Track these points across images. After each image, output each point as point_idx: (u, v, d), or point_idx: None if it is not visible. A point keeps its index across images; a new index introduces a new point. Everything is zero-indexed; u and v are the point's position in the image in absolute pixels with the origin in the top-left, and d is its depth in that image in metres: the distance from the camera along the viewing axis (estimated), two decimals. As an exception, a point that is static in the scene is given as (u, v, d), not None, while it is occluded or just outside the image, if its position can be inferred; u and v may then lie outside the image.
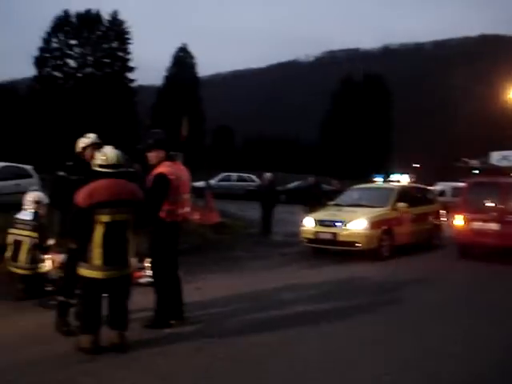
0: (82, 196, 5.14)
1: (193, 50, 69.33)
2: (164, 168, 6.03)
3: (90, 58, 61.25)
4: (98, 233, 5.13)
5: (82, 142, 6.01)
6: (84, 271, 5.20)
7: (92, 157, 5.85)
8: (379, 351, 5.56)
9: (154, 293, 6.13)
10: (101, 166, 5.33)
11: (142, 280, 7.80)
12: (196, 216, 6.82)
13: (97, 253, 5.13)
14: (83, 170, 5.81)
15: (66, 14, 60.28)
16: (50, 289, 7.31)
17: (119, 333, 5.30)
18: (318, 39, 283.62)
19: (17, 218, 7.55)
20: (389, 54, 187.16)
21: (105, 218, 5.15)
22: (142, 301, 6.38)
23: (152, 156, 6.18)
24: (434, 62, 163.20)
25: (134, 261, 5.94)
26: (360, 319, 6.72)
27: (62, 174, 5.85)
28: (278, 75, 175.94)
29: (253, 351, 5.46)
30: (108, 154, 5.38)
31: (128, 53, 62.38)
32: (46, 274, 7.37)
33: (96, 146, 5.90)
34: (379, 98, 67.46)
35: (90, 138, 6.04)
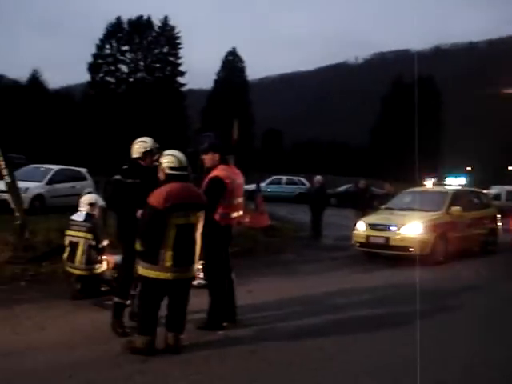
0: (158, 198, 5.11)
1: (242, 53, 69.89)
2: (219, 171, 6.07)
3: (141, 63, 62.54)
4: (171, 235, 5.13)
5: (142, 147, 5.98)
6: (151, 273, 5.17)
7: (151, 161, 5.91)
8: (434, 357, 5.42)
9: (208, 295, 6.16)
10: (172, 168, 5.34)
11: (195, 282, 7.85)
12: (246, 219, 6.82)
13: (168, 255, 5.13)
14: (139, 174, 5.88)
15: (119, 21, 61.74)
16: (104, 289, 7.45)
17: (175, 335, 5.33)
18: (367, 41, 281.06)
19: (72, 220, 7.72)
20: (440, 55, 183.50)
21: (179, 221, 5.16)
22: (194, 303, 6.41)
23: (207, 159, 6.23)
24: (487, 61, 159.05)
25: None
26: (414, 325, 6.55)
27: (118, 177, 5.91)
28: (327, 78, 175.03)
29: (308, 355, 5.40)
30: (179, 156, 5.39)
31: (178, 57, 63.37)
32: (101, 274, 7.51)
33: (156, 151, 5.95)
34: (430, 100, 66.25)
35: (147, 142, 6.03)
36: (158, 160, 5.59)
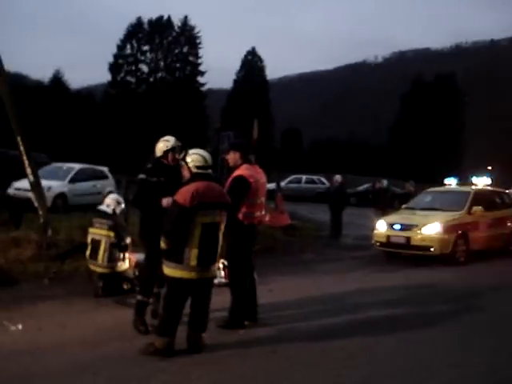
0: (184, 196, 5.12)
1: (261, 53, 69.84)
2: (243, 171, 6.09)
3: (161, 62, 62.87)
4: (197, 234, 5.15)
5: (164, 146, 6.03)
6: (176, 272, 5.18)
7: (174, 160, 5.96)
8: (456, 359, 5.38)
9: (230, 294, 6.18)
10: (198, 167, 5.36)
11: (215, 280, 7.88)
12: (267, 218, 6.84)
13: (193, 254, 5.15)
14: (163, 172, 5.92)
15: (139, 21, 62.11)
16: (126, 287, 7.52)
17: (197, 334, 5.35)
18: (386, 39, 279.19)
19: (95, 218, 7.80)
20: (461, 53, 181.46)
21: (205, 219, 5.18)
22: (215, 301, 6.43)
23: (230, 158, 6.26)
24: (509, 59, 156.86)
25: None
26: (436, 326, 6.54)
27: (143, 176, 5.96)
28: (346, 77, 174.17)
29: (329, 355, 5.40)
30: (205, 155, 5.42)
31: (198, 57, 63.57)
32: (123, 272, 7.57)
33: (178, 149, 6.00)
34: (451, 99, 65.66)
35: (170, 141, 6.07)
36: (183, 159, 5.62)
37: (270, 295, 7.53)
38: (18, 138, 9.64)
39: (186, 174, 5.49)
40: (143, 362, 5.02)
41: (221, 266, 7.66)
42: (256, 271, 6.54)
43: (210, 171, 5.44)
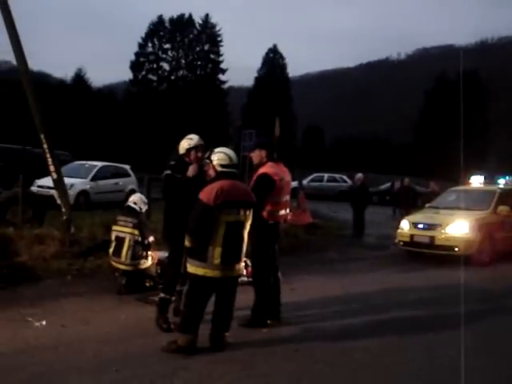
0: (208, 195, 5.11)
1: (282, 50, 69.66)
2: (268, 168, 6.07)
3: (182, 60, 63.07)
4: (221, 232, 5.13)
5: (187, 144, 6.02)
6: (199, 270, 5.17)
7: (196, 158, 5.94)
8: (480, 361, 5.29)
9: (253, 292, 6.15)
10: (223, 165, 5.35)
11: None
12: (289, 216, 6.81)
13: (217, 252, 5.13)
14: (185, 170, 5.90)
15: (160, 19, 62.39)
16: (149, 284, 7.54)
17: (220, 332, 5.34)
18: (409, 36, 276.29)
19: (119, 216, 7.82)
20: (486, 50, 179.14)
21: (229, 218, 5.16)
22: (238, 299, 6.40)
23: (254, 156, 6.24)
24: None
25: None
26: (459, 327, 6.39)
27: (168, 172, 5.96)
28: (369, 74, 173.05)
29: (352, 356, 5.34)
30: (230, 154, 5.40)
31: (219, 55, 63.65)
32: (145, 270, 7.59)
33: (200, 148, 5.98)
34: (476, 96, 64.79)
35: (193, 139, 6.05)
36: (208, 157, 5.60)
37: (292, 294, 7.49)
38: (42, 136, 9.72)
39: (210, 172, 5.47)
40: (166, 360, 5.02)
41: (244, 264, 7.64)
42: (279, 270, 6.50)
43: (235, 170, 5.41)
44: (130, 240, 7.49)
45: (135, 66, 61.94)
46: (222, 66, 63.94)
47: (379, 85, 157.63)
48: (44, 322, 6.10)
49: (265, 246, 6.11)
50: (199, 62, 63.49)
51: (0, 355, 5.09)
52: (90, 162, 19.22)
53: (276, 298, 6.27)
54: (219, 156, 5.37)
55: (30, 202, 10.76)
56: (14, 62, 9.85)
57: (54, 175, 9.91)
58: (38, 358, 5.02)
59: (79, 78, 60.55)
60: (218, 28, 63.83)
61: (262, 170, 6.09)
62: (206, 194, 5.14)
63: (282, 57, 68.89)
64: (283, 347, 5.52)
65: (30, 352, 5.19)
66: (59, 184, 9.98)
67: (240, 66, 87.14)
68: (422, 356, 5.44)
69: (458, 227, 11.51)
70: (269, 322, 6.11)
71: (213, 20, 63.86)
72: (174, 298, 6.03)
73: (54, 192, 10.94)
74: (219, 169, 5.35)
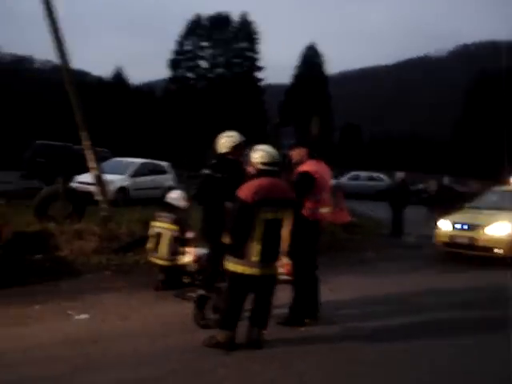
0: (247, 192, 5.12)
1: (321, 47, 69.24)
2: (309, 166, 6.04)
3: (220, 58, 63.30)
4: (259, 230, 5.12)
5: (231, 142, 5.97)
6: (238, 267, 5.17)
7: (239, 155, 5.92)
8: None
9: (291, 290, 6.12)
10: (264, 163, 5.33)
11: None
12: (327, 214, 6.77)
13: (255, 250, 5.13)
14: (228, 168, 5.89)
15: (198, 17, 62.73)
16: (187, 281, 7.57)
17: (258, 330, 5.33)
18: (450, 33, 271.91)
19: (159, 212, 7.89)
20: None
21: (268, 216, 5.15)
22: (276, 297, 6.38)
23: (294, 154, 6.22)
24: None
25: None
26: (499, 330, 6.24)
27: (207, 171, 5.95)
28: (408, 71, 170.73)
29: (391, 356, 5.27)
30: (272, 152, 5.38)
31: (257, 52, 63.65)
32: (184, 266, 7.61)
33: (242, 145, 5.97)
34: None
35: (236, 137, 6.02)
36: (248, 154, 5.58)
37: (330, 293, 7.41)
38: (83, 134, 9.87)
39: (250, 169, 5.46)
40: (205, 356, 5.04)
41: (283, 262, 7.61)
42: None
43: (276, 168, 5.38)
44: (168, 236, 7.54)
45: (173, 64, 62.45)
46: (260, 63, 63.98)
47: (418, 82, 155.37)
48: (86, 316, 6.20)
49: (305, 244, 6.07)
50: (237, 60, 63.61)
51: (42, 347, 5.20)
52: (128, 159, 19.47)
53: (314, 296, 6.23)
54: (261, 154, 5.35)
55: (70, 198, 10.94)
56: (56, 60, 10.05)
57: (94, 172, 10.05)
58: (79, 351, 5.10)
59: (118, 76, 61.39)
60: (255, 25, 63.87)
61: (302, 168, 6.06)
62: (245, 191, 5.13)
63: (319, 54, 68.48)
64: (320, 346, 5.48)
65: (71, 344, 5.28)
66: (99, 180, 10.12)
67: (278, 64, 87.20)
68: (463, 358, 5.34)
69: (500, 228, 11.25)
70: (306, 320, 6.07)
71: (250, 18, 63.93)
72: (212, 295, 6.04)
73: (93, 188, 11.11)
74: (260, 167, 5.33)
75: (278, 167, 5.45)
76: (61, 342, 5.34)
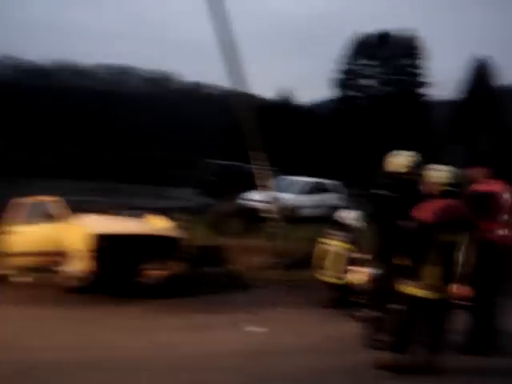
0: (428, 213, 5.02)
1: (490, 59, 65.17)
2: (487, 186, 5.77)
3: (386, 76, 62.49)
4: (436, 252, 4.98)
5: (411, 161, 5.87)
6: (412, 290, 5.07)
7: (416, 175, 5.77)
8: None
9: (470, 317, 5.81)
10: (447, 184, 5.19)
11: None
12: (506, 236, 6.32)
13: (431, 272, 4.99)
14: (404, 188, 5.75)
15: (363, 37, 62.50)
16: (356, 300, 7.47)
17: (430, 354, 5.11)
18: None
19: (330, 230, 7.91)
20: None
21: (445, 238, 4.99)
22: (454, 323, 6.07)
23: (472, 173, 5.95)
24: None
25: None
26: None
27: (382, 192, 5.88)
28: None
29: None
30: (456, 172, 5.26)
31: (423, 68, 61.86)
32: (353, 285, 7.54)
33: (421, 165, 5.82)
34: None
35: (414, 156, 5.90)
36: (421, 174, 5.45)
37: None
38: (256, 154, 10.24)
39: (426, 189, 5.29)
40: (373, 377, 4.94)
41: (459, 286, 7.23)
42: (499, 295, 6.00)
43: (457, 189, 5.20)
44: (342, 254, 7.52)
45: (340, 84, 62.85)
46: (426, 79, 61.98)
47: None
48: (261, 329, 6.39)
49: (482, 268, 5.71)
50: (403, 77, 62.29)
51: (215, 356, 5.42)
52: (297, 178, 19.84)
53: (492, 324, 5.81)
54: (445, 174, 5.21)
55: (242, 215, 11.43)
56: (226, 85, 10.52)
57: (266, 189, 10.38)
58: (250, 362, 5.24)
59: (284, 96, 63.11)
60: (421, 41, 62.07)
61: (484, 188, 5.77)
62: (425, 212, 5.01)
63: (491, 66, 64.57)
64: (501, 379, 5.11)
65: (241, 355, 5.45)
66: (268, 198, 10.43)
67: (445, 79, 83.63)
68: None
69: None
70: (488, 349, 5.68)
71: (415, 33, 62.28)
72: (382, 316, 5.91)
73: (261, 205, 11.49)
74: (443, 188, 5.17)
75: (459, 188, 5.22)
76: (232, 353, 5.53)
